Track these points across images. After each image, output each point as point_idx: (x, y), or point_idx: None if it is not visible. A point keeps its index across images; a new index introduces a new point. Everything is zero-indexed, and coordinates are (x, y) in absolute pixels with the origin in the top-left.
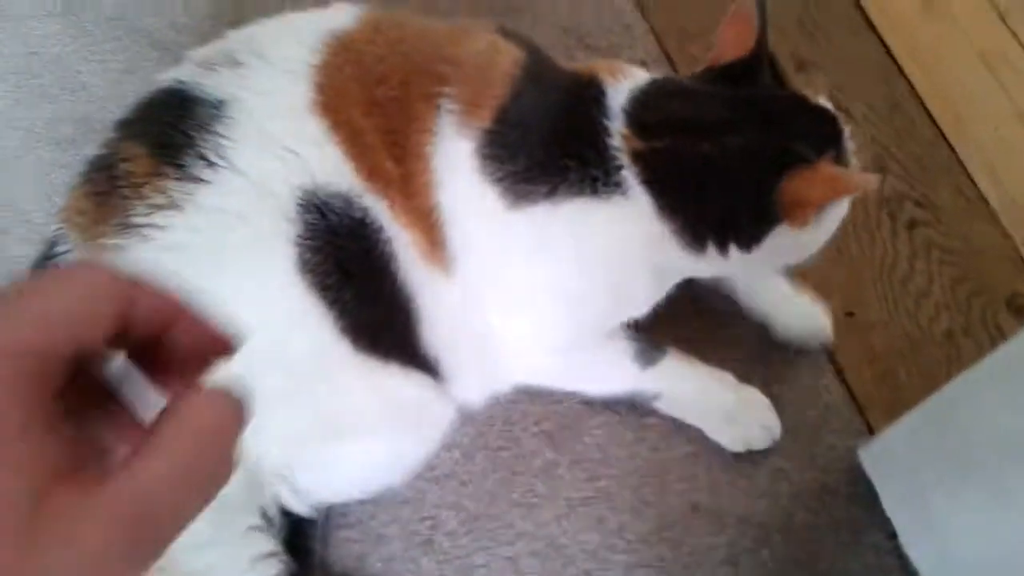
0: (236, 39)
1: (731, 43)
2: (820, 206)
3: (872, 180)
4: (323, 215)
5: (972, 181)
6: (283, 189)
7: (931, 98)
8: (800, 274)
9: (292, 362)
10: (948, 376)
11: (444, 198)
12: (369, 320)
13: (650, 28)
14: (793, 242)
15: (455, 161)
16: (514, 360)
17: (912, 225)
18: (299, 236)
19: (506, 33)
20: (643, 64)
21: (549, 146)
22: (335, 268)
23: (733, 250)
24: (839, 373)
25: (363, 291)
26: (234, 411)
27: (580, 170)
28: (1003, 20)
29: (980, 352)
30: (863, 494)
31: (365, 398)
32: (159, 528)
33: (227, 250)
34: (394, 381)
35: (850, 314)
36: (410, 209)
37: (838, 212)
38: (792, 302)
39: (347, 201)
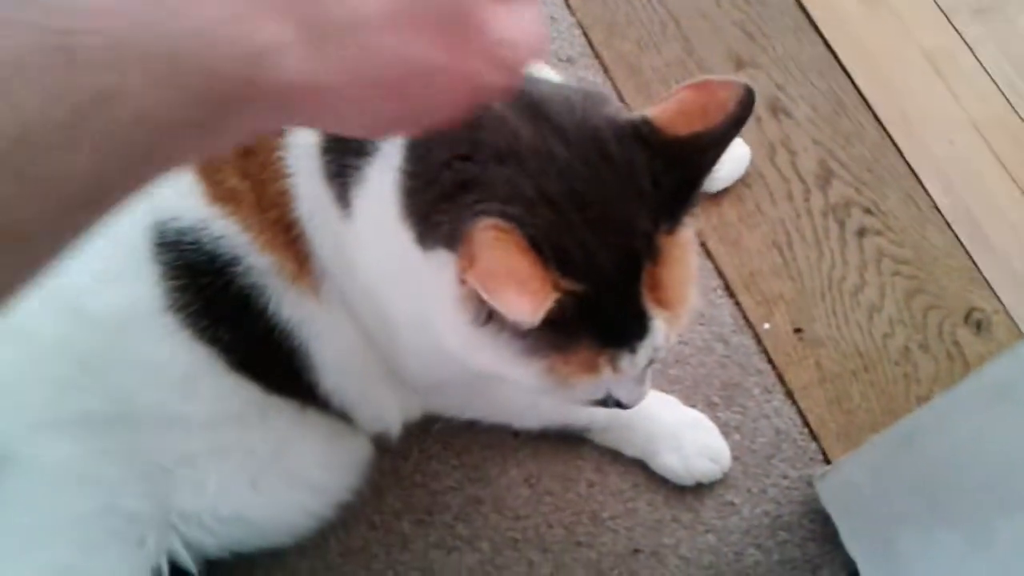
0: None
1: (679, 111)
2: (472, 277)
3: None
4: (179, 252)
5: (924, 188)
6: (134, 230)
7: (877, 100)
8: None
9: (204, 415)
10: (906, 396)
11: (302, 209)
12: (259, 359)
13: (576, 22)
14: (462, 327)
15: (307, 163)
16: (413, 389)
17: (862, 233)
18: (161, 277)
19: None
20: (569, 60)
21: None
22: (205, 307)
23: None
24: (790, 395)
25: (240, 329)
26: None
27: None
28: (948, 17)
29: (938, 370)
30: (820, 530)
31: (280, 442)
32: None
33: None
34: (301, 423)
35: (798, 331)
36: (266, 227)
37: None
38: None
39: (196, 233)
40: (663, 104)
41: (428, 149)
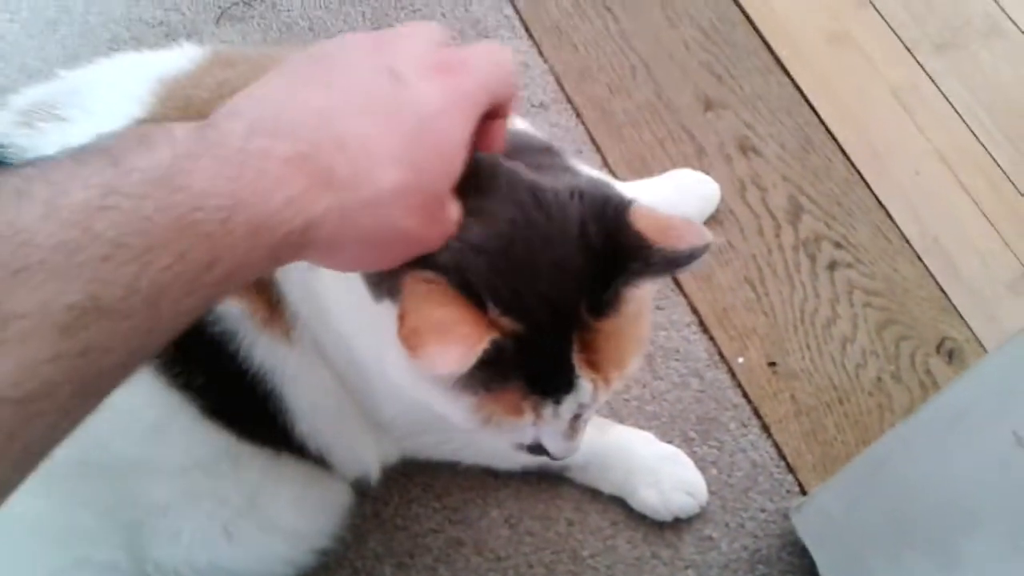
0: (62, 87)
1: (657, 224)
2: (402, 334)
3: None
4: None
5: (892, 220)
6: None
7: (845, 135)
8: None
9: (176, 463)
10: (880, 427)
11: None
12: (233, 406)
13: (548, 68)
14: (405, 369)
15: None
16: (388, 432)
17: (832, 267)
18: None
19: None
20: (542, 106)
21: None
22: (178, 354)
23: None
24: (765, 428)
25: (212, 375)
26: None
27: None
28: (910, 52)
29: (912, 400)
30: (799, 562)
31: (254, 489)
32: None
33: None
34: (275, 470)
35: (772, 364)
36: None
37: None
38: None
39: None
40: (655, 210)
41: None
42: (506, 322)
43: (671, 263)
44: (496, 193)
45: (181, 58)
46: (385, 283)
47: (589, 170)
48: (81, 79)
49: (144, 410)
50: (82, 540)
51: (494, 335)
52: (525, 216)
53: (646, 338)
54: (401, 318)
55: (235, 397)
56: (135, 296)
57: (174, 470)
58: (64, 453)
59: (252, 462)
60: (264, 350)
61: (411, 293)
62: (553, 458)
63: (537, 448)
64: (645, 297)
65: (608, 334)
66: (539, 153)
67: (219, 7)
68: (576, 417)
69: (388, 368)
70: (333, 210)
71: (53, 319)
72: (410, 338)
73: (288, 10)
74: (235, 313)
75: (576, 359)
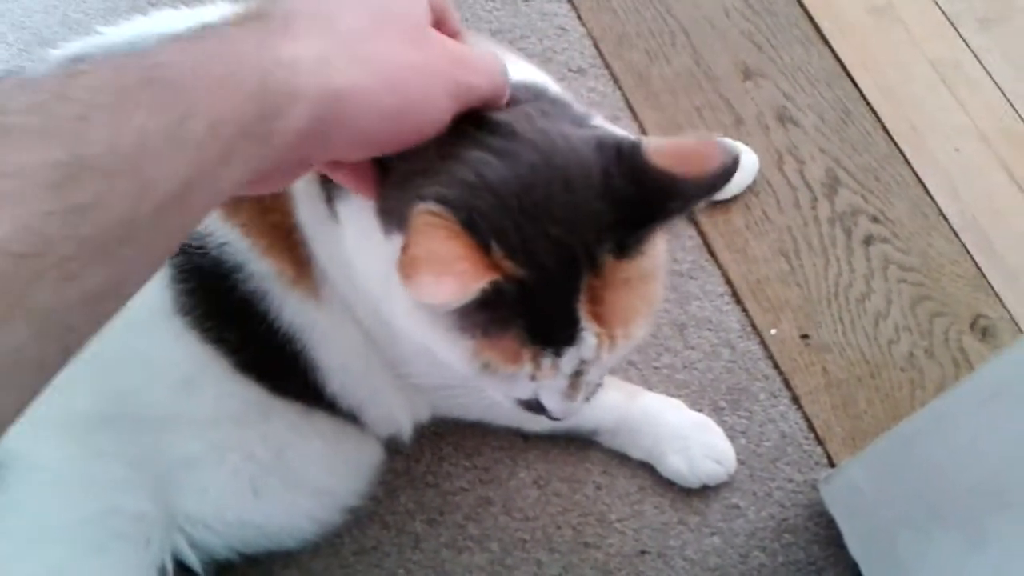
0: (98, 43)
1: (676, 153)
2: (403, 265)
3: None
4: (187, 255)
5: (930, 196)
6: None
7: (884, 109)
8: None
9: (205, 416)
10: (911, 402)
11: (300, 214)
12: (264, 361)
13: (587, 32)
14: (408, 305)
15: None
16: (418, 390)
17: (868, 241)
18: (171, 279)
19: None
20: (579, 71)
21: None
22: (212, 309)
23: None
24: (796, 400)
25: (245, 332)
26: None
27: None
28: (954, 27)
29: (944, 376)
30: (825, 532)
31: (282, 445)
32: None
33: None
34: (305, 426)
35: (805, 337)
36: (266, 230)
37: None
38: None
39: (202, 239)
40: (669, 144)
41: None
42: (509, 265)
43: (708, 188)
44: (518, 138)
45: (215, 15)
46: (395, 215)
47: (601, 120)
48: (117, 36)
49: (176, 363)
50: (112, 490)
51: (493, 277)
52: (546, 161)
53: (656, 304)
54: (404, 248)
55: (266, 353)
56: (115, 154)
57: (203, 423)
58: (96, 404)
59: (282, 418)
60: (294, 309)
61: (416, 224)
62: (551, 417)
63: (535, 405)
64: (660, 256)
65: (619, 286)
66: (554, 103)
67: None
68: (577, 375)
69: (394, 307)
70: (310, 56)
71: (41, 177)
72: (407, 266)
73: None
74: (265, 271)
75: (583, 311)
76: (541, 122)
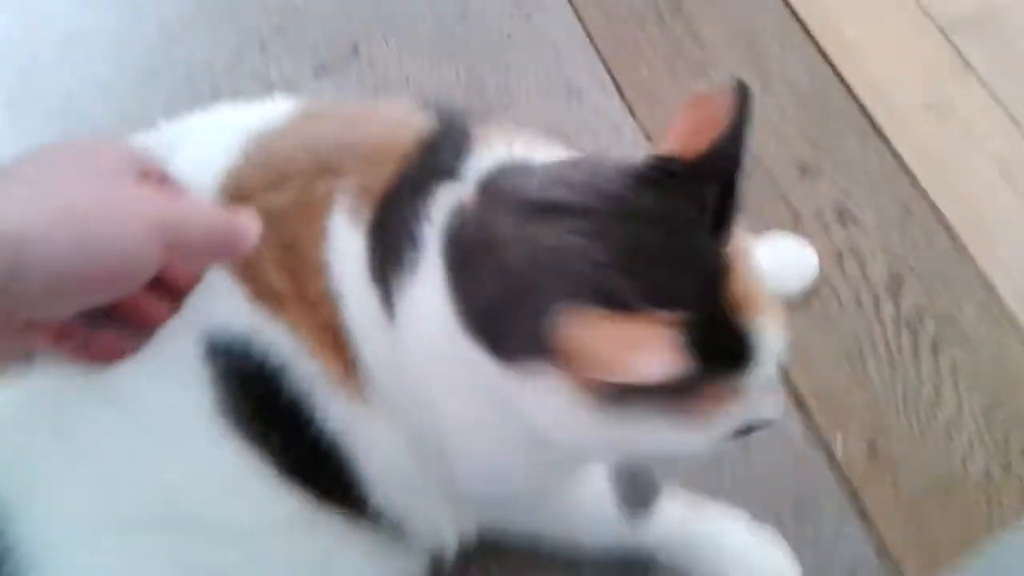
0: (157, 139)
1: (688, 131)
2: (588, 370)
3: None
4: (230, 356)
5: (999, 297)
6: (185, 334)
7: (947, 206)
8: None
9: (242, 526)
10: (988, 520)
11: (347, 312)
12: (309, 466)
13: (641, 131)
14: (586, 416)
15: (349, 263)
16: (466, 501)
17: (936, 345)
18: (213, 379)
19: (427, 106)
20: None
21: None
22: (256, 412)
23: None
24: (863, 514)
25: (291, 435)
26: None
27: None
28: (1015, 123)
29: (1023, 491)
30: None
31: (327, 555)
32: None
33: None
34: (351, 537)
35: (872, 446)
36: (313, 328)
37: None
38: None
39: (245, 341)
40: (671, 133)
41: (470, 265)
42: (665, 315)
43: (738, 128)
44: (580, 207)
45: (274, 111)
46: (516, 339)
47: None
48: (176, 132)
49: (220, 467)
50: None
51: (672, 330)
52: (620, 209)
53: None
54: (570, 359)
55: (313, 458)
56: None
57: (248, 530)
58: (139, 507)
59: (328, 527)
60: (339, 412)
61: (570, 333)
62: (769, 424)
63: (749, 427)
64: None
65: (742, 272)
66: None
67: (318, 61)
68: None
69: (560, 435)
70: None
71: None
72: (596, 366)
73: (385, 66)
74: (312, 372)
75: (737, 315)
76: (587, 178)
